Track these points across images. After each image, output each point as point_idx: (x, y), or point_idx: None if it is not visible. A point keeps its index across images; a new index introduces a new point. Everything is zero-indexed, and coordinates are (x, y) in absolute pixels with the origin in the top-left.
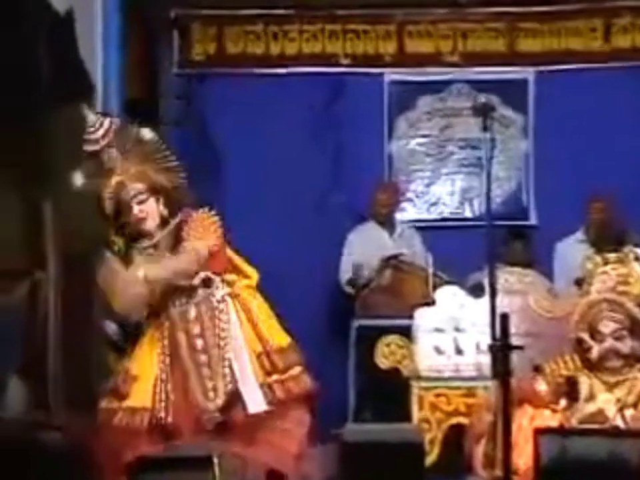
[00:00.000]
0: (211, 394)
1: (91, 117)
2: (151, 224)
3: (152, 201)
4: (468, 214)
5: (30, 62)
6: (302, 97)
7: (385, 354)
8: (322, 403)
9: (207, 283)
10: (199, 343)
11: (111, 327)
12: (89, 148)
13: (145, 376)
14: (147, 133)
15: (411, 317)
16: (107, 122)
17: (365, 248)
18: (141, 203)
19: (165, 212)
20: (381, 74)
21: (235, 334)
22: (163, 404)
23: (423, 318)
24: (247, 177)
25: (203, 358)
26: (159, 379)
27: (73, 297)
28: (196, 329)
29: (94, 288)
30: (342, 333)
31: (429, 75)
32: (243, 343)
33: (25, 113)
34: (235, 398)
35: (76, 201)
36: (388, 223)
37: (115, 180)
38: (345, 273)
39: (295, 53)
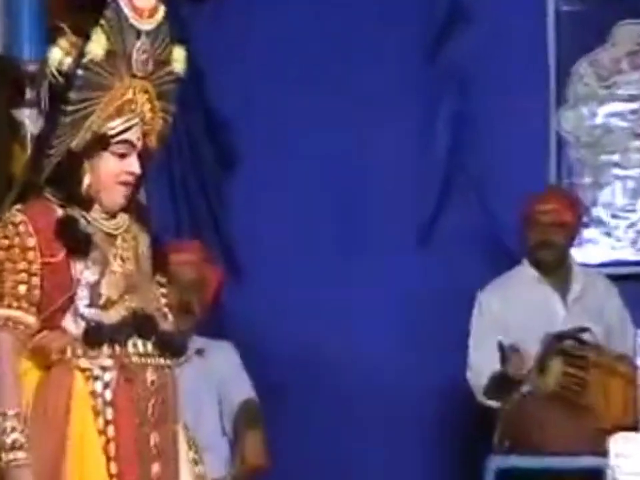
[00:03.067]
0: None
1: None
2: None
3: None
4: None
5: None
6: (387, 24)
7: None
8: None
9: None
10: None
11: None
12: None
13: None
14: None
15: (601, 452)
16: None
17: (514, 318)
18: None
19: None
20: None
21: None
22: None
23: (627, 453)
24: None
25: None
26: None
27: None
28: None
29: None
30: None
31: None
32: None
33: None
34: None
35: None
36: (557, 269)
37: None
38: (480, 369)
39: None
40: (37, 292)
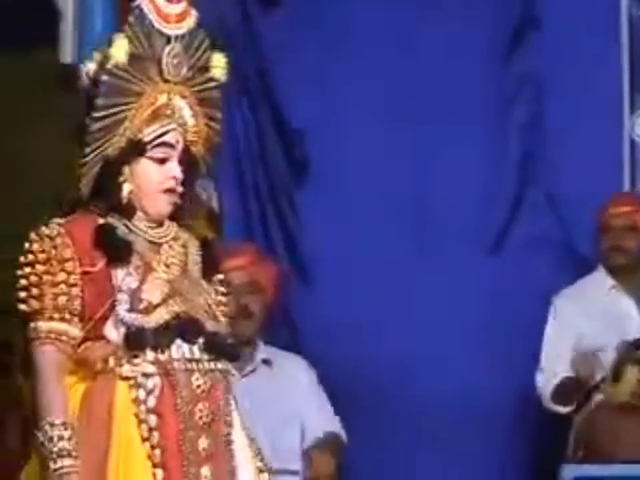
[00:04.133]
0: None
1: None
2: None
3: None
4: None
5: None
6: (463, 30)
7: None
8: None
9: None
10: None
11: None
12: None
13: None
14: None
15: None
16: None
17: (588, 324)
18: None
19: None
20: None
21: None
22: None
23: None
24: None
25: None
26: None
27: None
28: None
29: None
30: None
31: None
32: None
33: None
34: None
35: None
36: (631, 274)
37: None
38: (551, 373)
39: None
40: (77, 302)
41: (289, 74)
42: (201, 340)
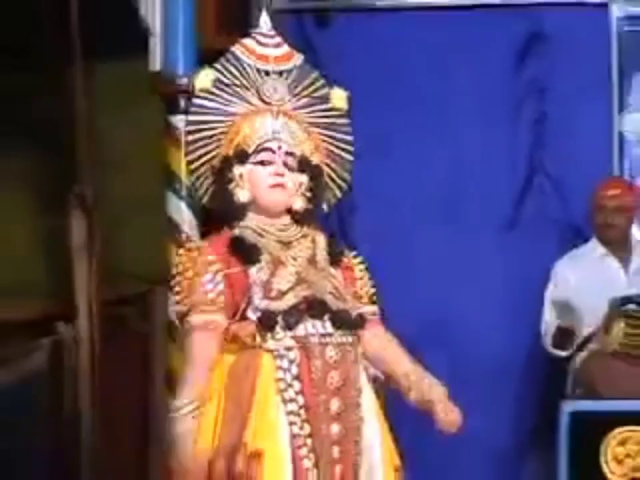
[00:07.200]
0: None
1: None
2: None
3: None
4: None
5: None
6: (480, 44)
7: (618, 456)
8: None
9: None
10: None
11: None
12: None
13: (271, 453)
14: None
15: None
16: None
17: (583, 286)
18: None
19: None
20: (605, 5)
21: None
22: None
23: None
24: (381, 169)
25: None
26: (296, 454)
27: (118, 364)
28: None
29: (150, 350)
30: (546, 421)
31: None
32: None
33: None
34: None
35: (130, 213)
36: (620, 245)
37: None
38: (551, 326)
39: None
40: (222, 297)
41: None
42: (326, 317)
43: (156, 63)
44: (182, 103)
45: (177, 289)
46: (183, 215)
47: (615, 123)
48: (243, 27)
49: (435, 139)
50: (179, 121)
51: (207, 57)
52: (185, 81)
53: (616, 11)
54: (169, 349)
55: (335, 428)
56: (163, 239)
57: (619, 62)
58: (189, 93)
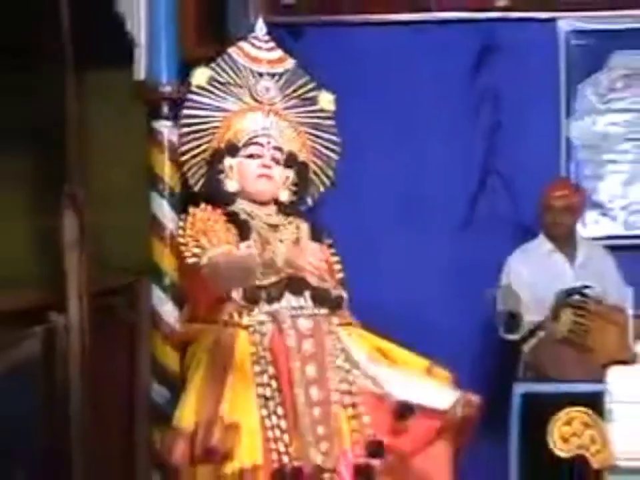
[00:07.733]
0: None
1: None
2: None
3: None
4: None
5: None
6: (439, 56)
7: (564, 435)
8: None
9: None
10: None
11: (162, 394)
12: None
13: (247, 425)
14: None
15: (601, 380)
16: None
17: (533, 278)
18: None
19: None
20: (553, 20)
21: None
22: (283, 457)
23: (619, 383)
24: (358, 171)
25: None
26: (268, 427)
27: (106, 351)
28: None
29: (137, 337)
30: (499, 403)
31: (626, 21)
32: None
33: (38, 87)
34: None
35: (117, 211)
36: (566, 241)
37: None
38: (502, 313)
39: None
40: (230, 237)
41: None
42: (307, 293)
43: (141, 72)
44: (165, 109)
45: (186, 239)
46: (165, 213)
47: (563, 129)
48: (220, 39)
49: (397, 144)
50: (161, 126)
51: (187, 66)
52: (167, 88)
53: (564, 26)
54: (153, 336)
55: (314, 391)
56: (147, 235)
57: (567, 73)
58: (172, 100)
